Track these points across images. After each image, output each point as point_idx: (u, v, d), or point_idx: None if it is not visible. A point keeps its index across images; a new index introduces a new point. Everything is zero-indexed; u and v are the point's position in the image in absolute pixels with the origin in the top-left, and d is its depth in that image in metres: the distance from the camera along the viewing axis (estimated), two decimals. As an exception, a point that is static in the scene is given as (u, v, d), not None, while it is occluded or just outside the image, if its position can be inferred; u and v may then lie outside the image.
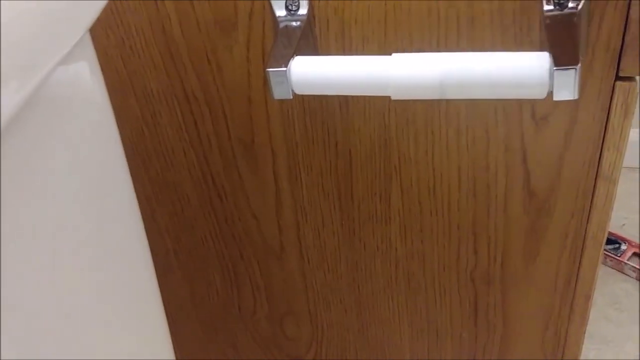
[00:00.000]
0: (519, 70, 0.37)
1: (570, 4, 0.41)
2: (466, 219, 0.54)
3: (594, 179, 0.50)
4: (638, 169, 1.53)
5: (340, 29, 0.46)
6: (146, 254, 0.40)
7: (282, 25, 0.44)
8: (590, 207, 0.51)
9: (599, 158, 0.49)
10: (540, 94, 0.37)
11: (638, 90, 0.45)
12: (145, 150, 0.56)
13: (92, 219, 0.32)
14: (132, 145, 0.56)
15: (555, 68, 0.36)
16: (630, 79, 0.44)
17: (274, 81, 0.40)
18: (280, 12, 0.45)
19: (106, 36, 0.50)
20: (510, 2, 0.43)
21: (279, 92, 0.40)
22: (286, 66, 0.40)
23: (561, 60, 0.37)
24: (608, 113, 0.46)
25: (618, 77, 0.45)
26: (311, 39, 0.46)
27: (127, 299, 0.37)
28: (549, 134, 0.48)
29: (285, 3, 0.45)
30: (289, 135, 0.53)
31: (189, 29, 0.48)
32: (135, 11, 0.48)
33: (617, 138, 0.47)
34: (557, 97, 0.37)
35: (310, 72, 0.40)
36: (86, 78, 0.29)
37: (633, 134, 1.50)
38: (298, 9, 0.45)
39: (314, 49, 0.47)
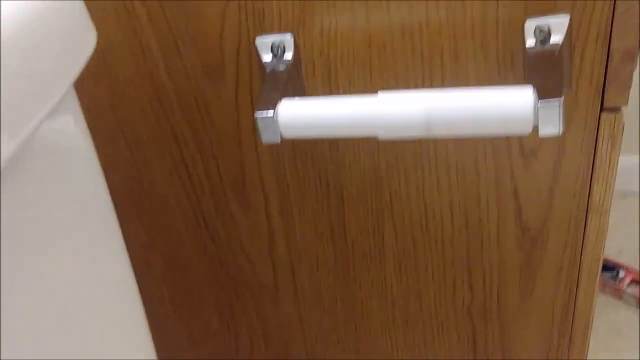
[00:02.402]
0: (504, 105, 0.37)
1: (552, 39, 0.42)
2: (460, 255, 0.54)
3: (585, 210, 0.50)
4: (638, 195, 1.53)
5: (327, 70, 0.46)
6: (137, 301, 0.40)
7: (268, 69, 0.45)
8: (583, 238, 0.51)
9: (589, 190, 0.49)
10: (525, 129, 0.38)
11: (623, 121, 0.46)
12: (138, 196, 0.56)
13: (79, 268, 0.32)
14: (126, 192, 0.56)
15: (539, 102, 0.37)
16: (615, 109, 0.45)
17: (262, 126, 0.40)
18: (267, 56, 0.45)
19: (95, 85, 0.50)
20: (493, 39, 0.43)
21: (267, 137, 0.41)
22: (273, 110, 0.40)
23: (544, 94, 0.37)
24: (595, 145, 0.46)
25: (603, 109, 0.45)
26: (298, 82, 0.47)
27: (117, 347, 0.37)
28: (538, 168, 0.48)
29: (271, 48, 0.45)
30: (280, 177, 0.53)
31: (177, 76, 0.49)
32: (123, 60, 0.48)
33: (605, 169, 0.47)
34: (542, 132, 0.38)
35: (298, 116, 0.40)
36: (71, 130, 0.29)
37: (633, 159, 1.51)
38: (284, 52, 0.45)
39: (301, 91, 0.47)
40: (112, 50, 0.48)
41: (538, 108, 0.37)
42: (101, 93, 0.50)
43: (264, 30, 0.45)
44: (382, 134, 0.39)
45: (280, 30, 0.45)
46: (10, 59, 0.22)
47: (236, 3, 0.44)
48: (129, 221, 0.58)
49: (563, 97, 0.37)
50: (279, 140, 0.41)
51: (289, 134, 0.41)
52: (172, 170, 0.54)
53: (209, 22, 0.46)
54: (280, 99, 0.41)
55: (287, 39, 0.45)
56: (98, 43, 0.48)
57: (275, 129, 0.40)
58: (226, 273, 0.60)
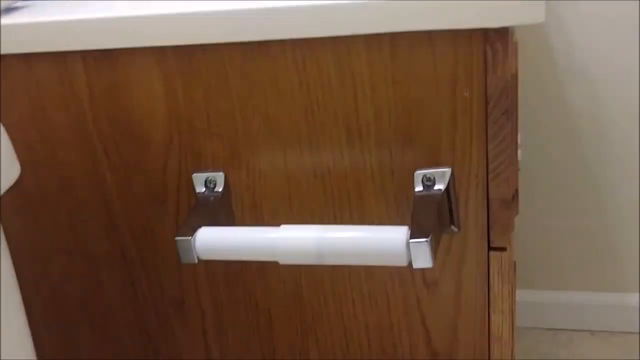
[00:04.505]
0: (381, 242, 0.43)
1: (436, 187, 0.48)
2: (379, 377, 0.58)
3: (487, 340, 0.54)
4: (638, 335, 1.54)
5: (253, 204, 0.54)
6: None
7: (201, 199, 0.52)
8: (489, 366, 0.55)
9: (488, 321, 0.53)
10: (400, 261, 0.44)
11: (512, 259, 0.51)
12: (90, 307, 0.62)
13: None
14: (78, 302, 0.62)
15: (410, 240, 0.43)
16: (501, 249, 0.51)
17: (180, 248, 0.47)
18: (200, 188, 0.53)
19: (57, 207, 0.57)
20: (390, 184, 0.50)
21: (185, 258, 0.47)
22: (191, 235, 0.47)
23: (415, 234, 0.43)
24: (488, 280, 0.52)
25: (490, 248, 0.51)
26: (230, 212, 0.54)
27: None
28: (440, 298, 0.53)
29: (205, 182, 0.53)
30: (215, 296, 0.58)
31: (127, 202, 0.56)
32: (82, 187, 0.56)
33: (499, 302, 0.52)
34: (415, 265, 0.43)
35: (212, 242, 0.47)
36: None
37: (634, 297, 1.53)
38: (215, 186, 0.53)
39: (232, 221, 0.54)
40: (74, 179, 0.56)
41: (410, 245, 0.43)
42: (62, 214, 0.58)
43: (200, 168, 0.53)
44: (282, 260, 0.45)
45: (215, 168, 0.53)
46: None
47: (177, 144, 0.53)
48: (80, 328, 0.63)
49: (430, 236, 0.43)
50: (195, 261, 0.47)
51: (204, 256, 0.47)
52: (120, 286, 0.60)
53: (154, 158, 0.54)
54: (200, 227, 0.48)
55: (220, 175, 0.53)
56: (64, 168, 0.56)
57: (192, 252, 0.47)
58: (167, 385, 0.64)
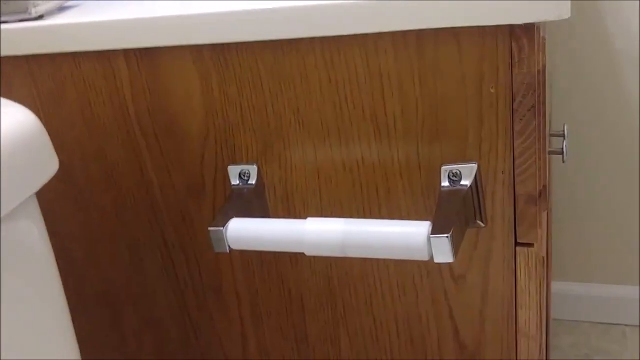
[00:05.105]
0: (402, 236, 0.45)
1: (463, 182, 0.49)
2: (408, 366, 0.59)
3: (515, 334, 0.54)
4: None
5: (285, 195, 0.55)
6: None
7: (235, 191, 0.54)
8: (517, 360, 0.55)
9: (515, 315, 0.54)
10: (421, 256, 0.44)
11: (540, 255, 0.51)
12: (134, 292, 0.65)
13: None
14: (122, 284, 0.65)
15: (431, 235, 0.44)
16: (528, 244, 0.51)
17: (213, 237, 0.49)
18: (234, 180, 0.55)
19: (102, 197, 0.61)
20: (417, 179, 0.51)
21: (217, 247, 0.49)
22: (223, 226, 0.49)
23: (437, 229, 0.44)
24: (515, 275, 0.52)
25: (517, 244, 0.51)
26: (263, 204, 0.56)
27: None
28: (468, 291, 0.54)
29: (239, 175, 0.55)
30: (250, 283, 0.61)
31: (167, 192, 0.59)
32: (126, 177, 0.59)
33: (526, 298, 0.52)
34: (437, 260, 0.44)
35: (243, 233, 0.49)
36: (32, 237, 0.39)
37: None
38: (249, 178, 0.55)
39: (266, 212, 0.56)
40: (118, 168, 0.59)
41: (430, 240, 0.44)
42: (108, 204, 0.61)
43: (235, 160, 0.55)
44: (307, 251, 0.47)
45: (248, 160, 0.55)
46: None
47: (213, 137, 0.55)
48: (124, 310, 0.67)
49: (451, 231, 0.44)
50: (227, 250, 0.49)
51: (235, 245, 0.49)
52: (162, 269, 0.63)
53: (192, 151, 0.56)
54: (232, 218, 0.50)
55: (253, 168, 0.55)
56: (109, 161, 0.59)
57: (224, 241, 0.49)
58: (206, 366, 0.67)
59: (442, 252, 0.44)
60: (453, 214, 0.46)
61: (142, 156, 0.58)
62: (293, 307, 0.61)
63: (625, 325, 1.55)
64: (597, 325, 1.56)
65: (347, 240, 0.46)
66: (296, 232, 0.47)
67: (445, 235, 0.43)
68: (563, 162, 0.88)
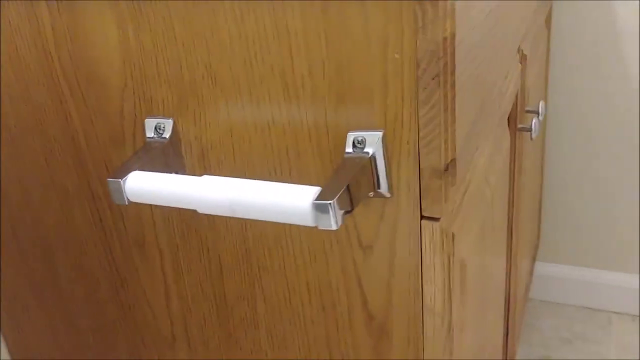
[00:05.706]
0: (288, 200, 0.44)
1: (366, 149, 0.48)
2: (320, 333, 0.59)
3: (421, 310, 0.53)
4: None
5: (201, 153, 0.55)
6: None
7: (146, 143, 0.54)
8: (423, 337, 0.54)
9: (421, 290, 0.52)
10: (307, 221, 0.43)
11: (448, 231, 0.50)
12: (66, 238, 0.66)
13: None
14: (55, 233, 0.66)
15: (314, 201, 0.43)
16: (434, 219, 0.49)
17: (112, 189, 0.49)
18: (150, 133, 0.54)
19: (31, 141, 0.61)
20: (325, 143, 0.50)
21: (116, 199, 0.49)
22: (122, 178, 0.49)
23: (322, 195, 0.43)
24: (420, 249, 0.51)
25: (423, 217, 0.50)
26: (179, 160, 0.55)
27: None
28: (375, 262, 0.53)
29: (155, 128, 0.54)
30: (171, 238, 0.61)
31: (92, 142, 0.59)
32: (53, 123, 0.59)
33: (432, 273, 0.51)
34: (320, 226, 0.43)
35: (140, 186, 0.48)
36: None
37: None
38: (164, 132, 0.54)
39: (182, 168, 0.56)
40: (45, 116, 0.59)
41: (314, 206, 0.43)
42: (37, 149, 0.61)
43: (152, 113, 0.55)
44: (199, 209, 0.47)
45: (165, 115, 0.54)
46: None
47: (131, 89, 0.54)
48: (57, 257, 0.67)
49: (336, 198, 0.42)
50: (126, 203, 0.49)
51: (133, 198, 0.49)
52: (90, 221, 0.63)
53: (112, 102, 0.56)
54: (133, 171, 0.49)
55: (169, 122, 0.54)
56: (36, 105, 0.59)
57: (122, 193, 0.49)
58: (134, 318, 0.68)
59: (325, 218, 0.43)
60: (346, 181, 0.45)
61: (67, 103, 0.58)
62: (212, 266, 0.60)
63: (613, 312, 1.52)
64: (582, 309, 1.54)
65: (235, 200, 0.45)
66: (190, 188, 0.47)
67: (329, 202, 0.42)
68: (531, 139, 0.85)
